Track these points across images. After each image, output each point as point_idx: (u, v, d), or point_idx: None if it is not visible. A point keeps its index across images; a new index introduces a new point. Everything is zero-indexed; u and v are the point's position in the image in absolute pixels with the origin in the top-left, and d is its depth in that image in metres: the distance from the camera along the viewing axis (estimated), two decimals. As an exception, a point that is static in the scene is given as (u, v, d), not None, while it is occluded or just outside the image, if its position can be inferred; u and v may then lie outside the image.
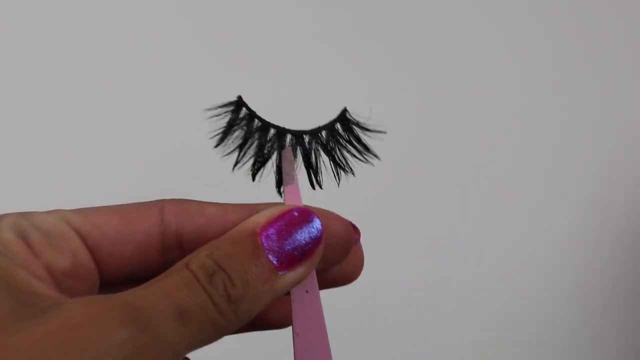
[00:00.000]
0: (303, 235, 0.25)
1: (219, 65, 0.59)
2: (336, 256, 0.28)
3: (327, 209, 0.27)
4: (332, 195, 0.29)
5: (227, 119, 0.26)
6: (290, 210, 0.25)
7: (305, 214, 0.25)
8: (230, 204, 0.27)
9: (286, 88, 0.59)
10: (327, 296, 0.28)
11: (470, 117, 0.65)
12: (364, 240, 0.30)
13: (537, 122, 0.68)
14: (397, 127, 0.30)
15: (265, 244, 0.24)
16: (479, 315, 0.65)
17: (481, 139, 0.66)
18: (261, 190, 0.27)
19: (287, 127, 0.27)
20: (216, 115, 0.26)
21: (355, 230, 0.28)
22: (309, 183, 0.27)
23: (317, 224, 0.25)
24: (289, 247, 0.24)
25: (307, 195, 0.27)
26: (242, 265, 0.23)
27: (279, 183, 0.27)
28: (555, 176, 0.70)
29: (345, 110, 0.27)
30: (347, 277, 0.29)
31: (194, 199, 0.27)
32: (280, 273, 0.24)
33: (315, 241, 0.25)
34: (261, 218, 0.25)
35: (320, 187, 0.27)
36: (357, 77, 0.61)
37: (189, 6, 0.59)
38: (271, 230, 0.24)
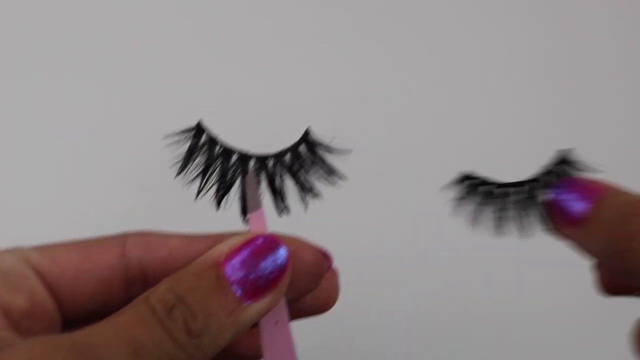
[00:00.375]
0: (268, 264, 0.24)
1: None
2: (307, 285, 0.27)
3: (296, 235, 0.27)
4: (305, 220, 0.28)
5: (186, 145, 0.25)
6: (254, 238, 0.24)
7: (270, 242, 0.24)
8: (195, 235, 0.26)
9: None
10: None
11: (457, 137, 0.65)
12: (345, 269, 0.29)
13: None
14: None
15: (228, 274, 0.23)
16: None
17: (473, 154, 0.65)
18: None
19: (251, 150, 0.26)
20: (175, 142, 0.25)
21: (326, 257, 0.27)
22: (275, 209, 0.27)
23: (282, 251, 0.24)
24: (253, 277, 0.23)
25: (277, 222, 0.27)
26: (204, 298, 0.22)
27: (244, 210, 0.26)
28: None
29: (308, 131, 0.26)
30: (321, 306, 0.28)
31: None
32: (245, 304, 0.23)
33: (281, 270, 0.24)
34: (224, 247, 0.24)
35: (287, 212, 0.27)
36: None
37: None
38: (235, 260, 0.23)
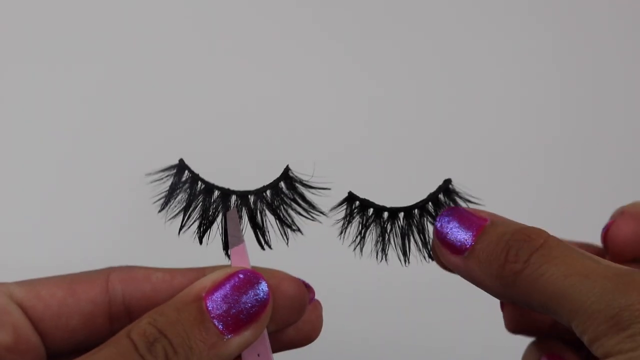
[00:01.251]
0: (249, 298, 0.24)
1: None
2: (289, 317, 0.27)
3: (278, 269, 0.27)
4: (292, 253, 0.28)
5: (168, 183, 0.26)
6: (236, 273, 0.24)
7: (251, 276, 0.25)
8: (177, 269, 0.26)
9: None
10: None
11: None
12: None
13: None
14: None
15: (210, 308, 0.23)
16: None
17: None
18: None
19: (233, 187, 0.27)
20: (158, 180, 0.26)
21: (308, 289, 0.28)
22: (257, 243, 0.27)
23: (263, 286, 0.24)
24: (234, 311, 0.24)
25: (261, 255, 0.27)
26: (185, 332, 0.23)
27: (226, 245, 0.26)
28: (556, 178, 0.68)
29: (288, 169, 0.27)
30: (305, 337, 0.29)
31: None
32: (226, 337, 0.23)
33: (262, 304, 0.24)
34: (206, 282, 0.24)
35: (269, 247, 0.27)
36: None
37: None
38: (216, 294, 0.24)
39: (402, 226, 0.29)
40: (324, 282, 0.30)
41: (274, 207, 0.26)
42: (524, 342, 0.48)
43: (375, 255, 0.28)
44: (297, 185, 0.26)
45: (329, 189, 0.26)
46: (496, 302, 0.53)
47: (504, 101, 0.66)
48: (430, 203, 0.29)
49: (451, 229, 0.27)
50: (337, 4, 0.67)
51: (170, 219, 0.26)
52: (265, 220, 0.27)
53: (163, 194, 0.26)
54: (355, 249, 0.28)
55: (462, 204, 0.29)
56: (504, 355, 0.53)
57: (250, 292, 0.24)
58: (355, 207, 0.28)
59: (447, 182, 0.29)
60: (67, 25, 0.60)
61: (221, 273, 0.25)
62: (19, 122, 0.57)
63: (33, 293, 0.25)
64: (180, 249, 0.28)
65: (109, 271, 0.26)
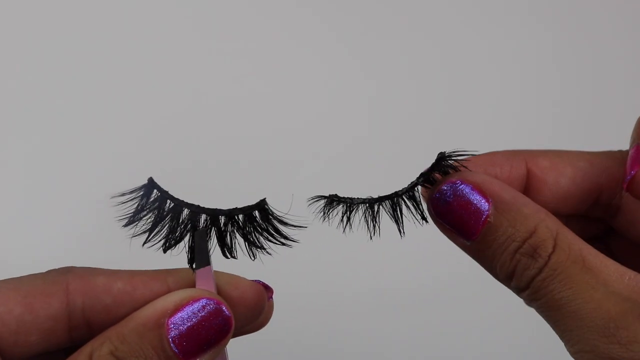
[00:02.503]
0: (211, 326, 0.24)
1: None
2: (249, 322, 0.27)
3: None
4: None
5: (136, 204, 0.24)
6: (200, 299, 0.24)
7: (215, 305, 0.24)
8: (139, 276, 0.26)
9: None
10: None
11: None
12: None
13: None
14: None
15: (171, 336, 0.23)
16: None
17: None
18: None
19: (203, 205, 0.25)
20: (127, 200, 0.24)
21: (267, 290, 0.28)
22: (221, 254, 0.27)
23: (225, 314, 0.24)
24: (195, 339, 0.24)
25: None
26: None
27: (191, 261, 0.26)
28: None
29: (264, 202, 0.26)
30: (256, 328, 0.30)
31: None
32: (180, 354, 0.24)
33: (224, 333, 0.24)
34: (168, 304, 0.24)
35: (234, 257, 0.27)
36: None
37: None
38: (178, 320, 0.24)
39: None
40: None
41: (244, 232, 0.26)
42: (523, 343, 0.52)
43: (366, 227, 0.27)
44: (270, 218, 0.26)
45: (306, 227, 0.26)
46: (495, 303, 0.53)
47: (504, 101, 0.64)
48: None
49: (452, 211, 0.26)
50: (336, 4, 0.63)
51: (135, 235, 0.25)
52: (234, 240, 0.26)
53: (129, 214, 0.24)
54: (343, 229, 0.27)
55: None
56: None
57: (212, 320, 0.24)
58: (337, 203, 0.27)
59: (441, 157, 0.27)
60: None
61: (184, 296, 0.24)
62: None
63: None
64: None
65: (67, 280, 0.25)
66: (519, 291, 0.26)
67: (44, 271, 0.26)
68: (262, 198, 0.25)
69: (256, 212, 0.25)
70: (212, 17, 0.62)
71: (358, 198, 0.27)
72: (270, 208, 0.26)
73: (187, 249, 0.26)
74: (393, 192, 0.27)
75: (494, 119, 0.64)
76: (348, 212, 0.27)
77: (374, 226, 0.27)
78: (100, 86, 0.58)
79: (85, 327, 0.25)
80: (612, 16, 0.67)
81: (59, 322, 0.25)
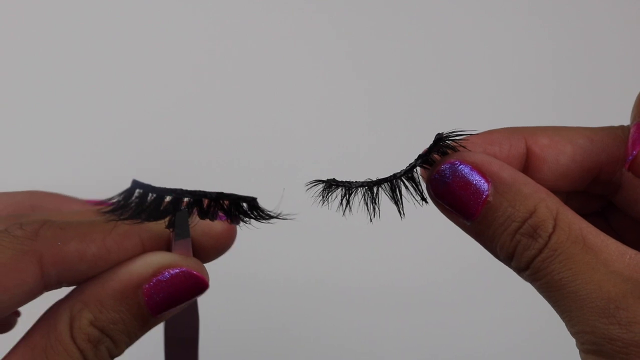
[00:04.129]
0: (187, 290, 0.25)
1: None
2: (220, 253, 0.28)
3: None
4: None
5: (120, 204, 0.23)
6: (177, 270, 0.24)
7: (191, 273, 0.25)
8: (112, 236, 0.25)
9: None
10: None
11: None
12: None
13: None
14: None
15: (147, 300, 0.24)
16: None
17: None
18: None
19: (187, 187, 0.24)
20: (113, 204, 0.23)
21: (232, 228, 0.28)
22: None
23: (201, 280, 0.25)
24: (171, 302, 0.24)
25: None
26: (125, 327, 0.24)
27: (170, 225, 0.25)
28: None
29: (254, 199, 0.25)
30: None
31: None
32: (157, 317, 0.25)
33: (198, 293, 0.25)
34: (147, 271, 0.24)
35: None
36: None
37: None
38: (156, 286, 0.24)
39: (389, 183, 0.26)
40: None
41: (230, 214, 0.25)
42: (523, 345, 0.51)
43: (365, 209, 0.26)
44: (259, 212, 0.25)
45: (295, 216, 0.25)
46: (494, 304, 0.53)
47: (503, 102, 0.63)
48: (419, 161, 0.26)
49: (452, 192, 0.25)
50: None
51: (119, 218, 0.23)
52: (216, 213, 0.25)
53: (115, 208, 0.23)
54: (343, 212, 0.26)
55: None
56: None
57: (188, 285, 0.24)
58: (336, 187, 0.26)
59: (439, 138, 0.26)
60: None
61: (162, 262, 0.24)
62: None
63: None
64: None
65: (38, 250, 0.24)
66: (519, 271, 0.26)
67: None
68: (253, 197, 0.24)
69: (245, 204, 0.24)
70: (212, 17, 0.61)
71: (357, 181, 0.26)
72: (261, 207, 0.25)
73: (166, 220, 0.24)
74: (392, 174, 0.26)
75: (493, 101, 0.63)
76: (347, 196, 0.26)
77: (374, 209, 0.26)
78: (98, 82, 0.58)
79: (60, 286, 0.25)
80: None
81: (35, 293, 0.24)
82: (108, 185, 0.24)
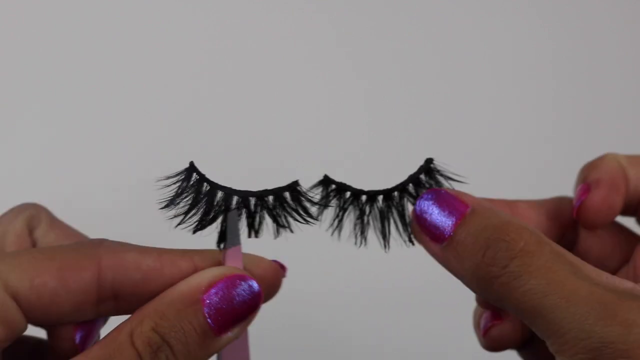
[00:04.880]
0: (242, 300, 0.25)
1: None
2: (268, 297, 0.28)
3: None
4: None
5: (177, 186, 0.25)
6: (232, 276, 0.25)
7: (246, 280, 0.25)
8: (167, 254, 0.26)
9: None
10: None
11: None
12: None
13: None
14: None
15: (206, 311, 0.25)
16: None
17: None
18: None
19: (237, 188, 0.26)
20: (168, 185, 0.25)
21: (282, 268, 0.29)
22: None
23: (255, 290, 0.25)
24: (228, 313, 0.25)
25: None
26: (186, 339, 0.24)
27: (221, 239, 0.27)
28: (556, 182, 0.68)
29: (296, 183, 0.27)
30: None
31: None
32: (217, 337, 0.25)
33: (253, 307, 0.26)
34: (203, 281, 0.25)
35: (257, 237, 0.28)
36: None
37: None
38: (213, 296, 0.25)
39: (381, 209, 0.28)
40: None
41: (274, 213, 0.27)
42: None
43: (354, 238, 0.28)
44: (301, 198, 0.27)
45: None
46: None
47: (502, 102, 0.64)
48: (411, 185, 0.28)
49: (431, 214, 0.26)
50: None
51: (172, 217, 0.25)
52: (263, 223, 0.27)
53: (170, 196, 0.25)
54: (333, 233, 0.28)
55: (446, 184, 0.28)
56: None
57: (243, 295, 0.25)
58: (332, 190, 0.28)
59: (429, 161, 0.28)
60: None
61: (217, 273, 0.25)
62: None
63: (27, 282, 0.24)
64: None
65: (99, 254, 0.25)
66: (488, 294, 0.25)
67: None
68: (294, 180, 0.27)
69: (287, 193, 0.26)
70: (213, 17, 0.62)
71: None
72: (302, 189, 0.27)
73: (218, 230, 0.26)
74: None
75: (493, 102, 0.65)
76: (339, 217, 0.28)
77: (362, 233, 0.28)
78: (97, 82, 0.59)
79: (112, 301, 0.26)
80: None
81: (89, 295, 0.25)
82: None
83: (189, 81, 0.61)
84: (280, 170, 0.54)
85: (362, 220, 0.28)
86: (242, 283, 0.25)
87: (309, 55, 0.64)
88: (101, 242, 0.26)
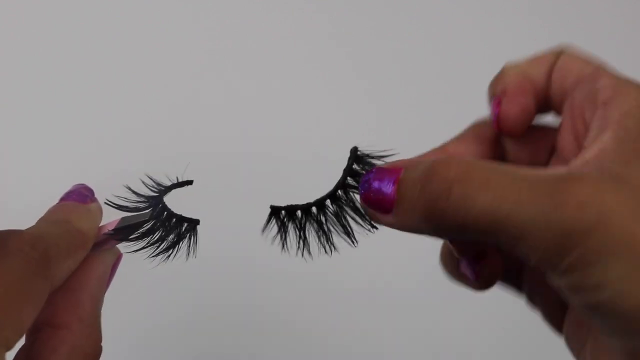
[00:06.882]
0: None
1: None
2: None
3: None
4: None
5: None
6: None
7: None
8: None
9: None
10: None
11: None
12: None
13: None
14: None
15: None
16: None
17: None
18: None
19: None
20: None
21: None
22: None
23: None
24: None
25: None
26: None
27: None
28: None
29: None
30: None
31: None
32: None
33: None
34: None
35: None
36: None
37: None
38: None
39: (335, 211, 0.29)
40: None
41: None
42: (519, 344, 0.50)
43: (323, 249, 0.29)
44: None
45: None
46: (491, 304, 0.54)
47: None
48: (349, 178, 0.29)
49: (373, 191, 0.26)
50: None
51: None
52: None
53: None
54: (302, 254, 0.29)
55: (379, 163, 0.29)
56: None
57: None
58: (284, 216, 0.29)
59: (354, 150, 0.29)
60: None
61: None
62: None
63: None
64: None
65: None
66: (449, 230, 0.24)
67: None
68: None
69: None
70: (213, 17, 0.62)
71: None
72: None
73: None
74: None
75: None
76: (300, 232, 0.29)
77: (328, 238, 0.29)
78: (97, 83, 0.60)
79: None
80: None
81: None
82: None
83: (189, 81, 0.61)
84: (280, 170, 0.54)
85: (324, 230, 0.29)
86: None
87: (309, 55, 0.64)
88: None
